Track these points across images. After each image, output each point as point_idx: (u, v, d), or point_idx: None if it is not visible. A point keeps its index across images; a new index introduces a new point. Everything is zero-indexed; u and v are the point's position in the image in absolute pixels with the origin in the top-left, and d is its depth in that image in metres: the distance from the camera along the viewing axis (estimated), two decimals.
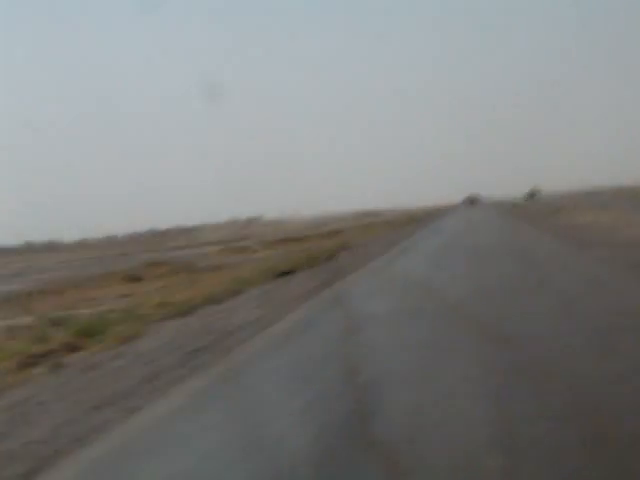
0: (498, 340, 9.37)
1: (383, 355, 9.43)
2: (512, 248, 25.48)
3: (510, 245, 27.35)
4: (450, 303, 13.32)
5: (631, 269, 15.11)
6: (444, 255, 25.57)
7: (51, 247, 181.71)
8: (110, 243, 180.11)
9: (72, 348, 12.38)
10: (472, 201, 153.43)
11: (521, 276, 16.48)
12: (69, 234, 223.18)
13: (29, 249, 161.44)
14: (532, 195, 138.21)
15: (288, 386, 8.31)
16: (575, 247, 22.45)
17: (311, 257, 28.91)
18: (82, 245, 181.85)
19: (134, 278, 36.74)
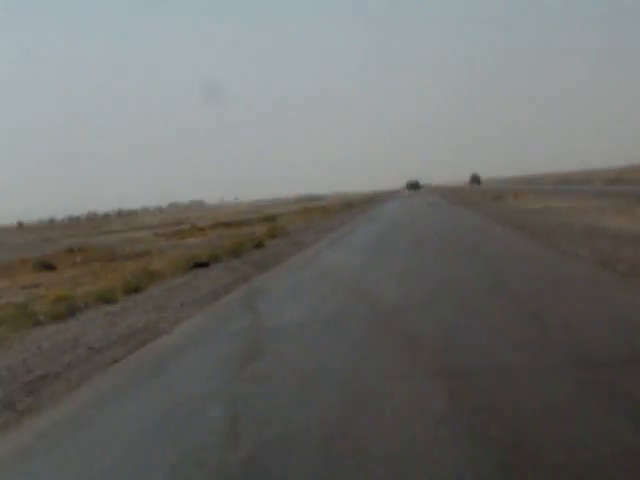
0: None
1: (286, 403, 6.72)
2: (453, 238, 22.99)
3: (451, 234, 24.81)
4: (380, 314, 10.65)
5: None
6: (378, 247, 22.68)
7: None
8: (46, 227, 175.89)
9: None
10: (413, 186, 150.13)
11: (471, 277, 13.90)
12: (7, 217, 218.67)
13: None
14: (476, 180, 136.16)
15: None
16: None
17: (238, 244, 26.68)
18: (16, 229, 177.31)
19: (47, 266, 33.69)
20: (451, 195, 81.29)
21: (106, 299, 15.10)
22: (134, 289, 16.41)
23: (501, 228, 24.53)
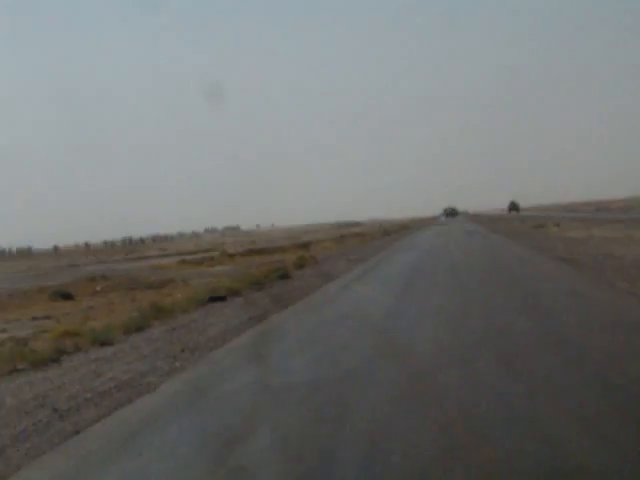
0: None
1: None
2: (496, 270, 21.00)
3: (494, 266, 22.82)
4: (409, 374, 8.66)
5: None
6: (412, 282, 20.16)
7: (20, 254, 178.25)
8: (81, 251, 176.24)
9: None
10: (451, 213, 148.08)
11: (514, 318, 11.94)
12: (47, 240, 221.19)
13: None
14: (515, 207, 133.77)
15: None
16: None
17: (262, 275, 24.95)
18: (50, 253, 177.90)
19: (64, 295, 32.17)
20: (490, 223, 79.20)
21: (102, 340, 13.36)
22: (137, 328, 14.68)
23: (547, 260, 22.51)
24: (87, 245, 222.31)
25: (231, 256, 58.57)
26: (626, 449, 5.24)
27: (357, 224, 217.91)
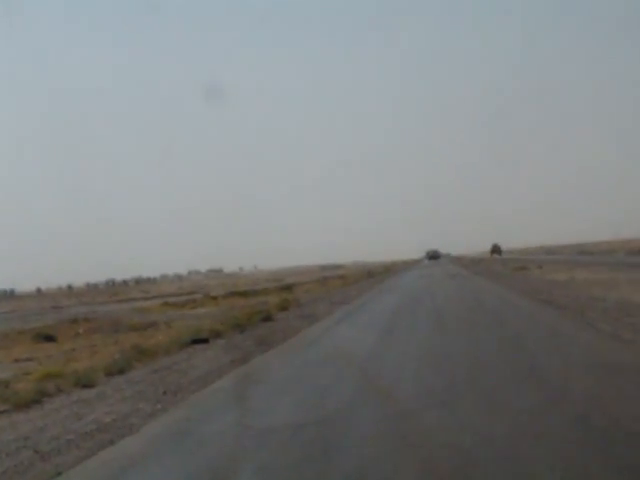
0: None
1: None
2: (484, 317, 21.09)
3: (482, 313, 22.91)
4: (391, 418, 8.74)
5: None
6: (394, 325, 20.10)
7: (2, 296, 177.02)
8: (63, 293, 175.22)
9: None
10: (433, 256, 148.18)
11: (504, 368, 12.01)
12: (30, 282, 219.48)
13: None
14: (497, 250, 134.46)
15: None
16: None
17: (245, 317, 24.96)
18: (33, 295, 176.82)
19: (47, 337, 31.99)
20: (472, 266, 79.51)
21: (85, 382, 13.34)
22: (119, 370, 14.66)
23: (529, 303, 22.65)
24: (70, 287, 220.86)
25: (214, 298, 58.34)
26: None
27: (340, 266, 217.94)
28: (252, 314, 26.19)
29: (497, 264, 74.55)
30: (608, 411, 7.66)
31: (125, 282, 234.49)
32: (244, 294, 60.68)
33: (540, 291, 26.68)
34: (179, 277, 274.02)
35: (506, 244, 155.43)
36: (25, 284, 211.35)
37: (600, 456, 6.10)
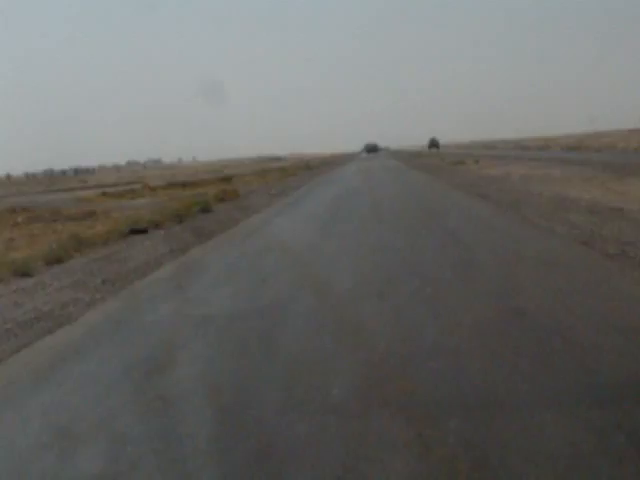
0: None
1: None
2: (416, 205, 21.36)
3: (414, 201, 23.19)
4: (329, 305, 8.96)
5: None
6: (332, 215, 20.45)
7: None
8: (2, 183, 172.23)
9: None
10: (372, 149, 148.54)
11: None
12: None
13: None
14: (435, 144, 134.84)
15: None
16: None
17: (184, 208, 24.78)
18: None
19: None
20: (410, 159, 79.69)
21: (23, 271, 13.34)
22: (58, 259, 14.65)
23: (464, 197, 22.94)
24: (8, 177, 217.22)
25: (153, 189, 57.89)
26: None
27: (278, 159, 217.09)
28: (191, 205, 26.10)
29: (434, 158, 74.76)
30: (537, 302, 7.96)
31: (64, 172, 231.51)
32: (183, 185, 60.30)
33: (476, 185, 26.95)
34: (118, 168, 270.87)
35: (444, 138, 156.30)
36: None
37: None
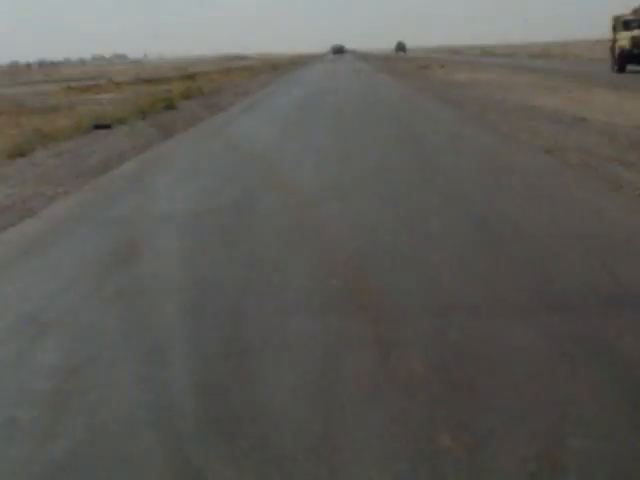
0: None
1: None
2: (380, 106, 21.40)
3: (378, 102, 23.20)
4: (290, 204, 9.12)
5: None
6: (297, 116, 20.48)
7: None
8: None
9: None
10: (338, 50, 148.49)
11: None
12: None
13: None
14: (402, 48, 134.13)
15: None
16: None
17: (149, 104, 24.55)
18: None
19: None
20: (377, 62, 79.11)
21: None
22: (20, 153, 14.57)
23: (429, 100, 23.02)
24: None
25: (117, 84, 57.06)
26: None
27: (245, 58, 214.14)
28: (155, 101, 25.84)
29: (401, 62, 74.24)
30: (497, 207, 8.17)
31: (29, 65, 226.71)
32: (148, 81, 59.46)
33: (442, 90, 27.00)
34: (83, 62, 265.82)
35: (411, 42, 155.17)
36: None
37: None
